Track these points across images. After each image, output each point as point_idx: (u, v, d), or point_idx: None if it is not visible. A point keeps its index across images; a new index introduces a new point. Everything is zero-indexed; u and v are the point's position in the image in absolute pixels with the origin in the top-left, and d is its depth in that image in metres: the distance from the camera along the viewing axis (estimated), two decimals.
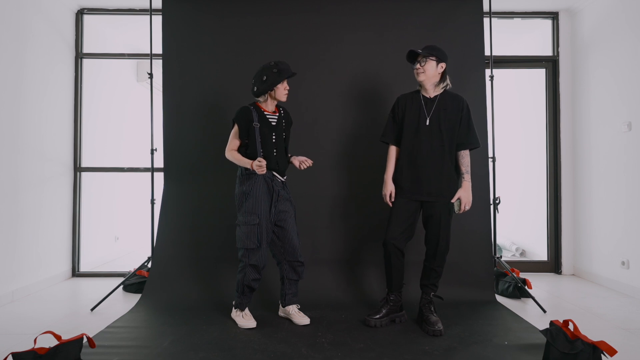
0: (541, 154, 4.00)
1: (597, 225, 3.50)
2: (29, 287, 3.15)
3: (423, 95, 2.42)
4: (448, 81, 2.42)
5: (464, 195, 2.31)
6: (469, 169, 2.35)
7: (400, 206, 2.40)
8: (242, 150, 2.45)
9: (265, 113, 2.45)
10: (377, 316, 2.40)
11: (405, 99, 2.48)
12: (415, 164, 2.37)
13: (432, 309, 2.39)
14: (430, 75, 2.36)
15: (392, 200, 2.45)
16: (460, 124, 2.37)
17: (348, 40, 3.21)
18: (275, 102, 2.50)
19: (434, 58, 2.34)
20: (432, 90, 2.41)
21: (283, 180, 2.49)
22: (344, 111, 3.19)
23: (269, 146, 2.41)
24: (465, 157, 2.37)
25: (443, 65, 2.38)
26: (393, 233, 2.36)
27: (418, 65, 2.36)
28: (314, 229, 3.06)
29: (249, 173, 2.37)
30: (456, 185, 2.38)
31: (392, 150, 2.50)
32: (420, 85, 2.43)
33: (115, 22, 4.01)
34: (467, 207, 2.33)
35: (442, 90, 2.41)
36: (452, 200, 2.32)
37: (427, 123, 2.36)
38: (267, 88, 2.37)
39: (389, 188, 2.45)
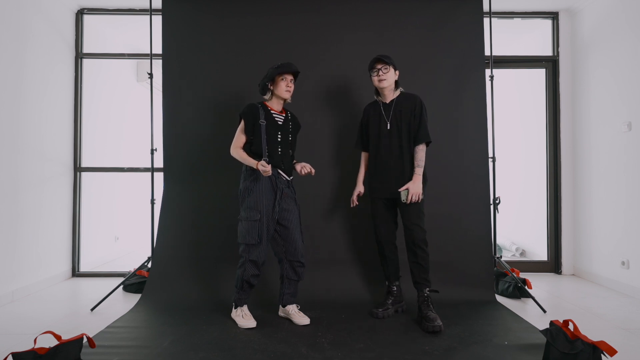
0: (541, 154, 4.00)
1: (597, 225, 3.50)
2: (29, 287, 3.15)
3: (382, 102, 2.62)
4: (401, 87, 2.63)
5: (412, 187, 2.44)
6: (421, 163, 2.49)
7: (378, 207, 2.62)
8: (247, 147, 2.46)
9: (272, 112, 2.47)
10: (383, 308, 2.57)
11: (369, 107, 2.69)
12: (379, 166, 2.58)
13: (430, 306, 2.42)
14: (390, 82, 2.54)
15: (357, 201, 2.70)
16: (413, 121, 2.51)
17: (348, 40, 3.21)
18: (282, 102, 2.51)
19: (392, 66, 2.53)
20: (389, 95, 2.59)
21: (289, 179, 2.50)
22: (344, 111, 3.19)
23: (274, 144, 2.43)
24: (419, 152, 2.51)
25: (397, 72, 2.59)
26: (379, 231, 2.62)
27: (381, 73, 2.51)
28: (314, 229, 3.07)
29: (253, 169, 2.39)
30: (424, 180, 2.53)
31: (363, 156, 2.75)
32: (380, 91, 2.61)
33: (115, 22, 4.02)
34: (415, 199, 2.44)
35: (398, 94, 2.59)
36: (400, 190, 2.44)
37: (385, 127, 2.56)
38: (266, 81, 2.44)
39: (358, 189, 2.71)
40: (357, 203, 2.71)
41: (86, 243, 3.90)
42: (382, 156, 2.56)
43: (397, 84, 2.60)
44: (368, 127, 2.65)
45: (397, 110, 2.54)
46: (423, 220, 2.51)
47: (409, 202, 2.42)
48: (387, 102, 2.59)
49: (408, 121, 2.52)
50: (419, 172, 2.46)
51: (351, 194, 3.08)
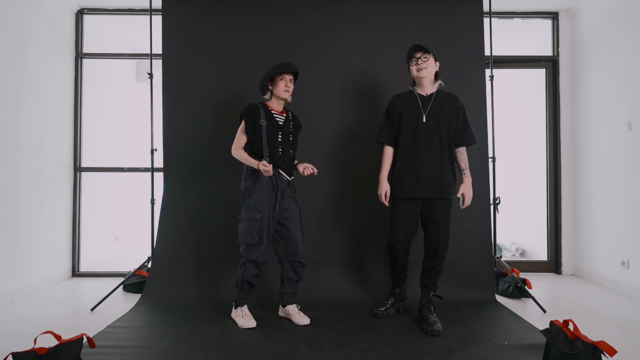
0: (541, 154, 4.00)
1: (597, 225, 3.50)
2: (29, 287, 3.15)
3: (419, 94, 2.45)
4: (440, 80, 2.48)
5: (467, 191, 2.37)
6: (468, 164, 2.41)
7: (403, 209, 2.41)
8: (248, 147, 2.46)
9: (273, 112, 2.47)
10: (384, 308, 2.53)
11: (400, 98, 2.49)
12: (415, 162, 2.37)
13: (432, 309, 2.40)
14: (430, 72, 2.40)
15: (388, 199, 2.47)
16: (457, 121, 2.41)
17: (348, 40, 3.21)
18: (282, 102, 2.51)
19: (432, 55, 2.40)
20: (429, 87, 2.44)
21: (289, 179, 2.50)
22: (344, 111, 3.19)
23: (275, 144, 2.42)
24: (463, 154, 2.42)
25: (438, 64, 2.46)
26: (398, 237, 2.41)
27: (420, 62, 2.38)
28: (313, 229, 3.07)
29: (254, 169, 2.39)
30: (455, 182, 2.43)
31: (389, 151, 2.50)
32: (417, 82, 2.45)
33: (115, 22, 4.01)
34: (469, 202, 2.38)
35: (437, 88, 2.46)
36: (458, 195, 2.37)
37: (424, 120, 2.38)
38: (265, 81, 2.43)
39: (384, 188, 2.46)
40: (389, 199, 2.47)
41: (86, 243, 3.90)
42: (419, 152, 2.36)
43: (437, 76, 2.46)
44: (400, 120, 2.44)
45: (437, 104, 2.39)
46: (450, 228, 2.42)
47: (464, 207, 2.37)
48: (426, 94, 2.43)
49: (449, 119, 2.38)
50: (469, 174, 2.39)
51: (352, 194, 3.09)
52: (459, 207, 2.37)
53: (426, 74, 2.38)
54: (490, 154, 3.16)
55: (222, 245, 3.04)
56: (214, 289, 2.90)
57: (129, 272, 3.48)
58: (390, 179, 2.48)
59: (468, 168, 2.40)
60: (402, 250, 2.44)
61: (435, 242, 2.38)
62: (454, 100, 2.42)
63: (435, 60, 2.43)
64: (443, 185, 2.35)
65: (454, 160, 2.45)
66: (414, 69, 2.41)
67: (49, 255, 3.42)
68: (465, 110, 2.45)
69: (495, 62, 3.72)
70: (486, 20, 3.26)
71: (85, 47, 3.83)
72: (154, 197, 3.19)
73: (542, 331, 1.93)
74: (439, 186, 2.35)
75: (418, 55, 2.38)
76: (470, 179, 2.39)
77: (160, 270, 2.99)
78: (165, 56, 3.20)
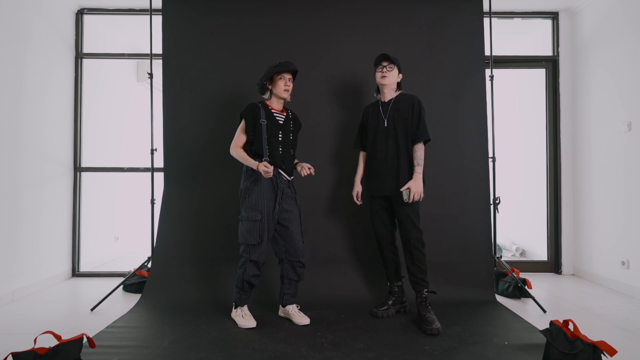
0: (541, 154, 4.00)
1: (597, 225, 3.50)
2: (29, 287, 3.15)
3: (381, 101, 2.62)
4: (402, 89, 2.64)
5: (414, 186, 2.42)
6: (421, 161, 2.48)
7: (374, 205, 2.63)
8: (247, 147, 2.46)
9: (273, 111, 2.47)
10: (384, 308, 2.57)
11: (369, 107, 2.70)
12: (376, 164, 2.58)
13: (429, 307, 2.42)
14: (392, 81, 2.57)
15: (360, 199, 2.71)
16: (411, 119, 2.51)
17: (348, 40, 3.21)
18: (282, 102, 2.52)
19: (397, 67, 2.56)
20: (388, 94, 2.60)
21: (289, 179, 2.50)
22: (343, 111, 3.19)
23: (275, 144, 2.43)
24: (418, 151, 2.50)
25: (401, 75, 2.62)
26: (377, 231, 2.63)
27: (385, 70, 2.53)
28: (314, 229, 3.07)
29: (254, 169, 2.39)
30: None
31: (361, 155, 2.76)
32: (380, 88, 2.62)
33: (115, 22, 4.02)
34: (417, 197, 2.42)
35: (397, 95, 2.59)
36: (402, 189, 2.42)
37: (385, 125, 2.55)
38: (264, 80, 2.45)
39: (356, 189, 2.72)
40: (361, 202, 2.72)
41: (86, 243, 3.90)
42: (379, 154, 2.56)
43: (399, 86, 2.62)
44: (367, 126, 2.66)
45: (394, 109, 2.54)
46: (419, 221, 2.50)
47: (411, 201, 2.40)
48: (386, 101, 2.59)
49: (405, 120, 2.51)
50: (419, 170, 2.45)
51: (351, 193, 3.10)
52: (405, 200, 2.40)
53: (388, 82, 2.55)
54: (490, 154, 3.16)
55: (222, 245, 3.04)
56: (214, 289, 2.90)
57: (129, 272, 3.48)
58: (364, 180, 2.71)
59: (420, 165, 2.46)
60: (386, 243, 2.61)
61: (405, 235, 2.49)
62: (411, 101, 2.54)
63: (399, 72, 2.59)
64: (398, 184, 2.48)
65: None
66: (378, 75, 2.57)
67: (49, 255, 3.42)
68: (422, 108, 2.53)
69: (495, 62, 3.73)
70: (486, 20, 3.26)
71: (85, 47, 3.83)
72: (154, 197, 3.19)
73: (542, 331, 1.93)
74: (395, 184, 2.49)
75: (384, 64, 2.55)
76: (419, 175, 2.44)
77: (160, 270, 2.99)
78: (165, 56, 3.20)
